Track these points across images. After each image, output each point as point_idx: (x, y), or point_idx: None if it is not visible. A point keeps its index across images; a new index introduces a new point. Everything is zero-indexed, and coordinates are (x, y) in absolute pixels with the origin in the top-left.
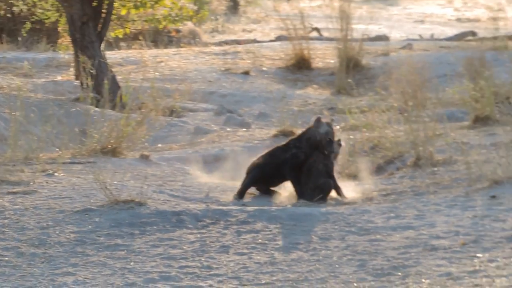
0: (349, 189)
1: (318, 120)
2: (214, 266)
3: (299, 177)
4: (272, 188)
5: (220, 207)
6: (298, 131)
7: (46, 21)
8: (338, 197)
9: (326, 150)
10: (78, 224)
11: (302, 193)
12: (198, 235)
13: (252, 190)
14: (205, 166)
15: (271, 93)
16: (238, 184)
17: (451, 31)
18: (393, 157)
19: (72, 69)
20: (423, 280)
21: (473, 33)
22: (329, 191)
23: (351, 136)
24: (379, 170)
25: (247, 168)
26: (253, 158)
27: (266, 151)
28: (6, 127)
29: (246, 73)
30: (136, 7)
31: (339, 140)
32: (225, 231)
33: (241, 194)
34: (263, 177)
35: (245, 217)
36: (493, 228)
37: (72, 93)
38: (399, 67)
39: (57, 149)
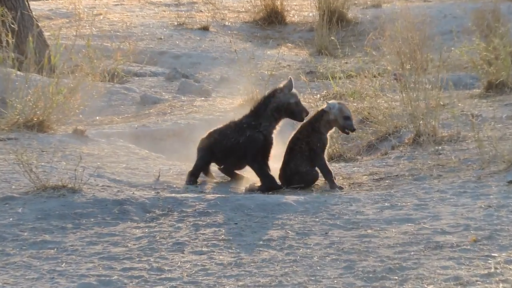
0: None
1: (290, 81)
2: (166, 268)
3: (264, 161)
4: (237, 172)
5: (173, 195)
6: None
7: None
8: (326, 184)
9: (298, 117)
10: None
11: (270, 181)
12: (146, 230)
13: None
14: (155, 144)
15: (236, 54)
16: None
17: None
18: (387, 133)
19: None
20: (425, 286)
21: None
22: (312, 183)
23: None
24: (370, 149)
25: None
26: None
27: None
28: None
29: (205, 28)
30: None
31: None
32: (180, 225)
33: (192, 177)
34: (214, 158)
35: (204, 207)
36: (511, 221)
37: None
38: (394, 22)
39: None
